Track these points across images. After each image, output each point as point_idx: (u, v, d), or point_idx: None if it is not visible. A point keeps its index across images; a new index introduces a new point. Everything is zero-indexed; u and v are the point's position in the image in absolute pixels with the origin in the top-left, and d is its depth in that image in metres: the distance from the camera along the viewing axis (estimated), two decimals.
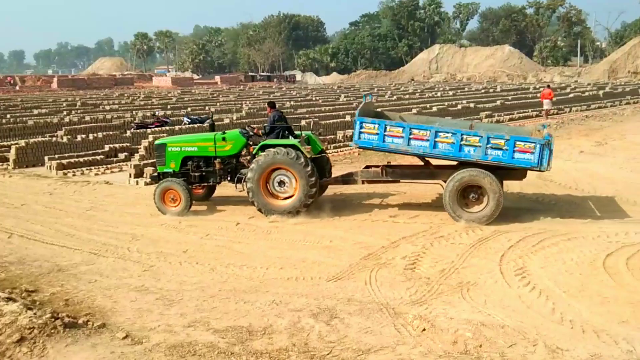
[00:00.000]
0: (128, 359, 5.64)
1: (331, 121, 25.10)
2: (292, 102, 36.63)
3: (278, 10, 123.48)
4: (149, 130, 21.23)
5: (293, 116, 27.11)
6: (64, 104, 37.25)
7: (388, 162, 12.81)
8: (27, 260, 9.26)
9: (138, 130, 21.86)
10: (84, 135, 20.62)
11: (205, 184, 12.60)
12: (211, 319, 6.66)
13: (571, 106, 34.35)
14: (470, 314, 6.69)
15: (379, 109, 15.29)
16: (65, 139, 20.18)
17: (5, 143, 21.14)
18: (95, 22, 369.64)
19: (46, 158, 17.83)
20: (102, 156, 18.69)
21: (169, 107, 34.62)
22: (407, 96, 42.83)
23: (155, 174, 12.92)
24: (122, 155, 18.96)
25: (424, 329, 6.29)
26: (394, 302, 7.09)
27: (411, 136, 10.92)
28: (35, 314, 6.48)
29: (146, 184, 14.92)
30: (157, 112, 28.10)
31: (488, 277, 7.93)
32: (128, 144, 19.94)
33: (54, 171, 17.05)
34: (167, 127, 22.04)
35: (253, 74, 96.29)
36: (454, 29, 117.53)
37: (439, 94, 45.76)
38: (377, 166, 12.20)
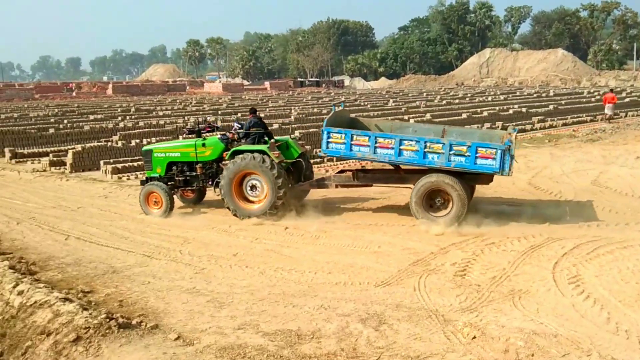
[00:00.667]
0: None
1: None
2: (340, 108, 36.65)
3: (327, 16, 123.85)
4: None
5: None
6: (119, 110, 38.26)
7: (362, 166, 12.82)
8: (83, 262, 9.55)
9: (190, 136, 22.22)
10: (137, 140, 21.14)
11: (189, 188, 13.05)
12: (260, 322, 6.73)
13: (627, 111, 33.33)
14: (522, 322, 6.57)
15: (352, 115, 15.61)
16: (119, 144, 20.74)
17: (62, 148, 21.86)
18: (149, 30, 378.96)
19: (101, 162, 18.36)
20: None
21: (219, 112, 35.14)
22: (456, 101, 42.36)
23: (144, 178, 13.37)
24: None
25: (474, 337, 6.21)
26: (443, 309, 7.03)
27: (377, 144, 11.27)
28: (90, 314, 6.68)
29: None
30: (208, 118, 28.53)
31: (541, 285, 7.76)
32: None
33: (109, 175, 17.53)
34: (218, 133, 22.35)
35: (302, 79, 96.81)
36: (505, 33, 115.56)
37: (489, 98, 45.12)
38: (350, 170, 12.49)
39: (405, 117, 28.76)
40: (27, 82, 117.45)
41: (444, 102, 41.42)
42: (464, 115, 29.21)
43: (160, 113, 35.49)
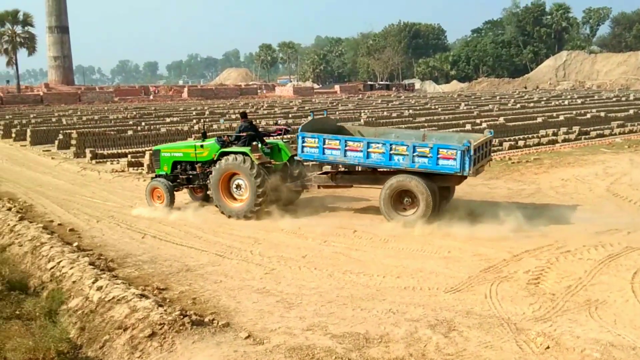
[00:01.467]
0: (250, 358, 5.86)
1: (451, 130, 24.68)
2: (410, 111, 36.42)
3: (398, 19, 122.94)
4: (271, 138, 21.86)
5: (411, 125, 26.97)
6: (194, 113, 39.31)
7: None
8: (158, 260, 9.86)
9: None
10: None
11: (191, 185, 13.85)
12: (329, 324, 6.77)
13: None
14: (599, 333, 6.34)
15: (340, 123, 15.95)
16: None
17: (140, 149, 22.62)
18: (223, 35, 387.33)
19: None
20: None
21: (290, 115, 35.53)
22: (531, 104, 41.27)
23: (154, 175, 14.38)
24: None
25: (548, 347, 6.04)
26: (515, 318, 6.86)
27: (347, 148, 11.82)
28: (165, 310, 6.90)
29: None
30: (279, 121, 28.93)
31: (618, 295, 7.46)
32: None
33: None
34: (289, 136, 22.60)
35: (372, 82, 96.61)
36: (583, 35, 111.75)
37: (566, 102, 43.74)
38: (329, 172, 13.03)
39: (478, 120, 28.27)
40: (107, 85, 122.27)
41: (518, 105, 40.45)
42: (539, 119, 28.43)
43: (233, 116, 36.19)
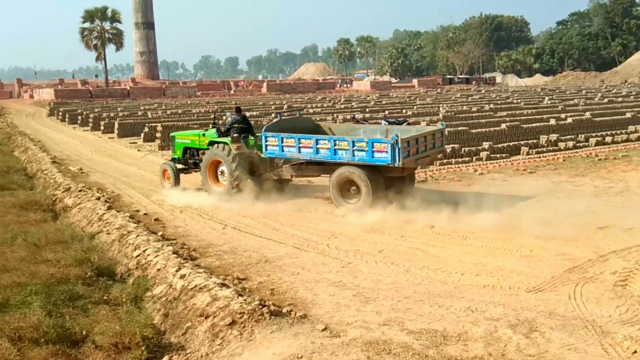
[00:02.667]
0: (327, 350, 5.91)
1: (534, 125, 23.96)
2: (491, 105, 35.57)
3: (480, 11, 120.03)
4: None
5: (491, 119, 26.34)
6: (272, 107, 39.83)
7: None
8: (238, 250, 10.09)
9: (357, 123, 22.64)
10: None
11: (196, 170, 15.06)
12: (406, 320, 6.73)
13: None
14: None
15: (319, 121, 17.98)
16: None
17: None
18: (301, 30, 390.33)
19: None
20: None
21: (367, 110, 35.44)
22: (619, 99, 39.45)
23: (170, 159, 16.07)
24: None
25: (635, 352, 5.78)
26: (601, 320, 6.61)
27: (300, 145, 12.95)
28: (245, 300, 7.06)
29: None
30: (356, 115, 28.90)
31: None
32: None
33: None
34: None
35: (451, 76, 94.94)
36: None
37: None
38: (295, 163, 13.65)
39: (562, 115, 27.29)
40: (189, 80, 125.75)
41: (606, 100, 38.76)
42: (628, 115, 27.18)
43: (311, 110, 36.46)
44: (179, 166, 15.59)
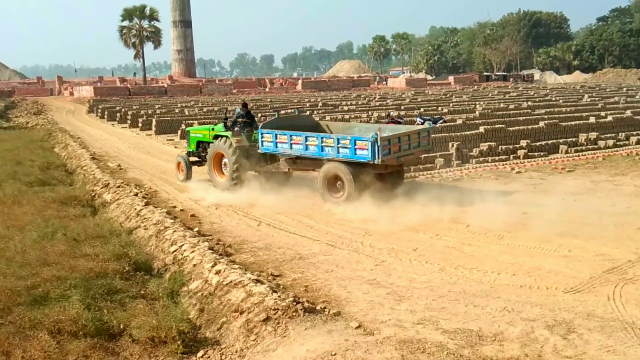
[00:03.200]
0: (361, 348, 5.90)
1: (573, 123, 23.52)
2: (529, 103, 35.02)
3: (518, 7, 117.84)
4: None
5: (529, 117, 25.93)
6: (307, 104, 39.87)
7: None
8: (272, 247, 10.14)
9: (390, 123, 22.56)
10: None
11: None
12: (440, 319, 6.68)
13: None
14: None
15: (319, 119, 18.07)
16: None
17: None
18: (336, 27, 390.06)
19: None
20: None
21: (402, 107, 35.24)
22: None
23: (186, 152, 17.12)
24: None
25: None
26: None
27: (292, 142, 13.67)
28: (279, 296, 7.10)
29: None
30: (391, 113, 28.75)
31: None
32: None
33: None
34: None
35: (488, 73, 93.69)
36: None
37: None
38: (290, 157, 14.17)
39: (602, 113, 26.73)
40: (226, 77, 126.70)
41: None
42: None
43: (346, 108, 36.40)
44: (193, 159, 16.65)
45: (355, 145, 12.65)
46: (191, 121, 28.90)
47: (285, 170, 14.62)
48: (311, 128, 14.82)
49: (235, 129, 15.01)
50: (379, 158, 12.33)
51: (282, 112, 30.82)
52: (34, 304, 7.62)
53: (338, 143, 12.92)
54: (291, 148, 13.76)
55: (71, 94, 63.79)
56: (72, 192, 15.17)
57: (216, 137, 15.34)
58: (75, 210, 13.11)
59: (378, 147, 12.28)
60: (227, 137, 14.83)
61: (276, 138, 13.93)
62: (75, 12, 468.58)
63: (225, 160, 14.94)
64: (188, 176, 16.31)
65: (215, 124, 16.49)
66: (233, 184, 14.59)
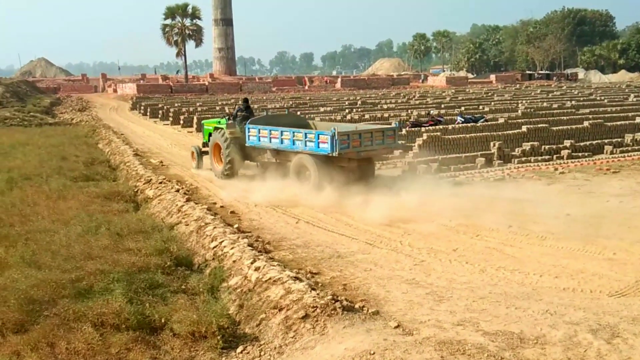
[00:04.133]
0: (400, 348, 5.86)
1: (618, 123, 22.97)
2: (573, 102, 34.33)
3: (562, 5, 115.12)
4: (423, 129, 21.69)
5: (573, 117, 25.40)
6: (346, 103, 39.84)
7: None
8: (311, 245, 10.17)
9: (413, 129, 22.47)
10: None
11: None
12: (481, 321, 6.60)
13: None
14: None
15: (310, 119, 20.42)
16: None
17: None
18: (376, 25, 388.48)
19: None
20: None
21: (442, 106, 34.93)
22: None
23: (202, 143, 18.88)
24: (397, 152, 19.64)
25: None
26: None
27: (271, 136, 15.31)
28: (318, 294, 7.10)
29: None
30: (431, 111, 28.56)
31: None
32: (403, 142, 20.59)
33: None
34: (441, 126, 22.27)
35: (530, 72, 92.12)
36: None
37: None
38: (272, 149, 15.75)
39: None
40: (265, 75, 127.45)
41: None
42: None
43: (385, 106, 36.25)
44: (205, 149, 18.34)
45: (318, 139, 14.09)
46: None
47: (272, 161, 16.02)
48: (298, 126, 15.89)
49: (229, 121, 16.87)
50: (336, 151, 13.74)
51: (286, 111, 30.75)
52: (78, 297, 7.77)
53: (306, 137, 14.47)
54: (270, 142, 15.43)
55: (115, 91, 65.00)
56: (115, 187, 15.45)
57: (216, 129, 17.20)
58: (119, 206, 13.34)
59: (335, 141, 13.68)
60: (222, 129, 16.76)
61: (259, 133, 15.68)
62: (119, 11, 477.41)
63: (222, 150, 16.68)
64: (199, 165, 18.30)
65: (223, 117, 18.44)
66: (225, 175, 16.52)
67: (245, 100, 17.86)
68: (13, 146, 23.41)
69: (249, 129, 15.93)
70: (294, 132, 14.83)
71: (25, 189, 14.60)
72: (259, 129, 15.68)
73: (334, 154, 13.79)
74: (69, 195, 14.03)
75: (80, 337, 6.71)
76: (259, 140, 15.76)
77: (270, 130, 15.40)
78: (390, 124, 20.64)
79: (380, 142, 14.68)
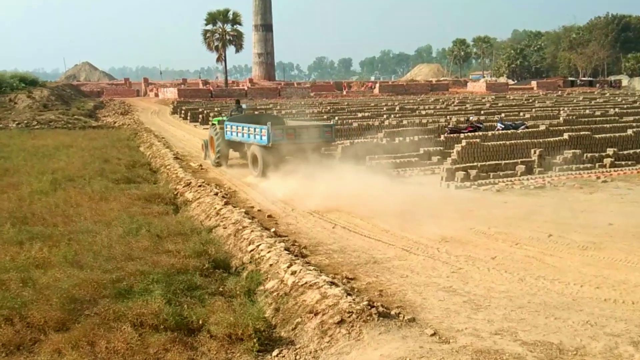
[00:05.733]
0: (436, 356, 5.82)
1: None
2: (616, 109, 33.58)
3: (606, 11, 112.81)
4: (462, 135, 21.49)
5: (616, 124, 24.86)
6: (384, 108, 39.71)
7: None
8: (347, 250, 10.17)
9: (451, 135, 22.29)
10: (401, 138, 21.76)
11: None
12: (519, 330, 6.50)
13: None
14: None
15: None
16: (384, 141, 21.57)
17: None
18: (415, 31, 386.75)
19: (367, 157, 19.26)
20: (416, 158, 19.52)
21: (482, 112, 34.55)
22: None
23: None
24: (435, 159, 19.54)
25: None
26: None
27: (237, 130, 18.72)
28: (354, 299, 7.10)
29: (456, 187, 15.16)
30: (470, 117, 28.27)
31: None
32: (441, 148, 20.48)
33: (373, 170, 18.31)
34: (480, 133, 22.03)
35: (573, 78, 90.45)
36: None
37: None
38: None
39: None
40: (304, 81, 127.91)
41: None
42: None
43: (423, 112, 36.03)
44: None
45: (261, 132, 17.12)
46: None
47: (248, 153, 18.39)
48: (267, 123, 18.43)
49: (221, 119, 20.56)
50: (270, 142, 16.77)
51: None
52: (118, 297, 7.93)
53: (255, 131, 17.53)
54: (237, 136, 18.71)
55: (156, 95, 66.08)
56: (155, 190, 15.72)
57: (213, 125, 20.67)
58: (159, 208, 13.58)
59: (269, 134, 16.72)
60: (214, 125, 20.34)
61: (231, 128, 18.98)
62: (161, 16, 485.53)
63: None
64: (207, 156, 21.26)
65: (226, 116, 21.87)
66: (216, 163, 20.18)
67: (237, 102, 22.76)
68: (57, 148, 24.04)
69: (226, 125, 19.30)
70: (247, 127, 18.10)
71: (69, 190, 14.97)
72: (231, 125, 19.04)
73: (269, 145, 16.83)
74: (111, 197, 14.33)
75: (119, 336, 6.84)
76: (231, 135, 19.01)
77: (236, 127, 18.77)
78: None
79: (317, 136, 17.79)
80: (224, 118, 20.66)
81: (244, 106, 23.41)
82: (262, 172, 16.97)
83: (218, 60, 70.55)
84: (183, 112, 44.38)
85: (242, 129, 18.29)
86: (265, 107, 42.90)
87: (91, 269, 8.83)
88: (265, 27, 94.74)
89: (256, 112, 24.08)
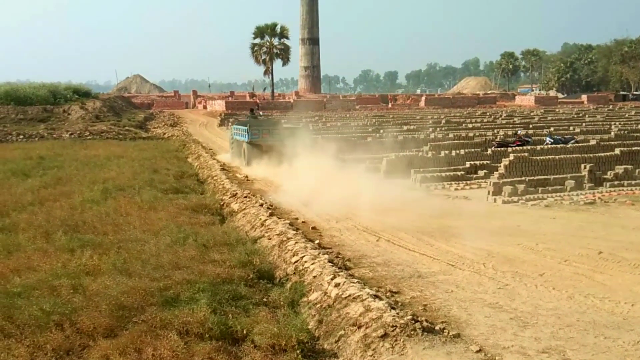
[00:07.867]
0: None
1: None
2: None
3: None
4: (509, 149, 21.19)
5: None
6: (430, 121, 39.48)
7: None
8: (391, 263, 10.12)
9: (499, 149, 22.00)
10: (447, 151, 21.60)
11: None
12: (567, 349, 6.37)
13: None
14: None
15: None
16: (429, 154, 21.43)
17: (378, 155, 23.32)
18: (463, 44, 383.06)
19: (412, 171, 19.19)
20: (462, 172, 19.33)
21: (530, 126, 34.02)
22: None
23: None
24: (481, 173, 19.31)
25: None
26: None
27: (236, 132, 24.59)
28: (397, 313, 7.05)
29: (504, 202, 14.94)
30: (519, 131, 27.86)
31: None
32: (488, 162, 20.23)
33: (418, 183, 18.24)
34: (529, 147, 21.69)
35: (624, 93, 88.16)
36: None
37: None
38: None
39: None
40: (349, 94, 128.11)
41: None
42: None
43: (470, 125, 35.68)
44: None
45: (246, 132, 22.67)
46: (314, 135, 29.46)
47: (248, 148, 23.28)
48: (269, 127, 23.75)
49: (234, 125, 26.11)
50: (248, 139, 22.69)
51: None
52: (165, 305, 8.06)
53: (243, 131, 23.15)
54: (240, 136, 23.76)
55: (204, 107, 67.10)
56: (202, 200, 15.95)
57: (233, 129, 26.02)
58: (205, 218, 13.77)
59: (247, 132, 22.69)
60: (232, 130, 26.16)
61: (235, 130, 25.05)
62: (210, 30, 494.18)
63: None
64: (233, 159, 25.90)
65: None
66: (233, 158, 25.30)
67: (251, 110, 26.75)
68: (108, 158, 24.69)
69: (232, 128, 25.80)
70: (239, 129, 24.02)
71: (119, 199, 15.33)
72: (234, 128, 25.29)
73: (246, 141, 22.82)
74: (159, 206, 14.61)
75: (165, 344, 6.94)
76: (234, 135, 25.09)
77: (235, 129, 24.89)
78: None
79: (288, 135, 22.43)
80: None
81: (259, 115, 27.77)
82: (248, 162, 22.78)
83: (265, 73, 71.28)
84: (230, 124, 44.93)
85: (238, 131, 24.09)
86: (310, 119, 43.18)
87: (139, 277, 9.00)
88: (312, 41, 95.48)
89: (261, 118, 26.82)
